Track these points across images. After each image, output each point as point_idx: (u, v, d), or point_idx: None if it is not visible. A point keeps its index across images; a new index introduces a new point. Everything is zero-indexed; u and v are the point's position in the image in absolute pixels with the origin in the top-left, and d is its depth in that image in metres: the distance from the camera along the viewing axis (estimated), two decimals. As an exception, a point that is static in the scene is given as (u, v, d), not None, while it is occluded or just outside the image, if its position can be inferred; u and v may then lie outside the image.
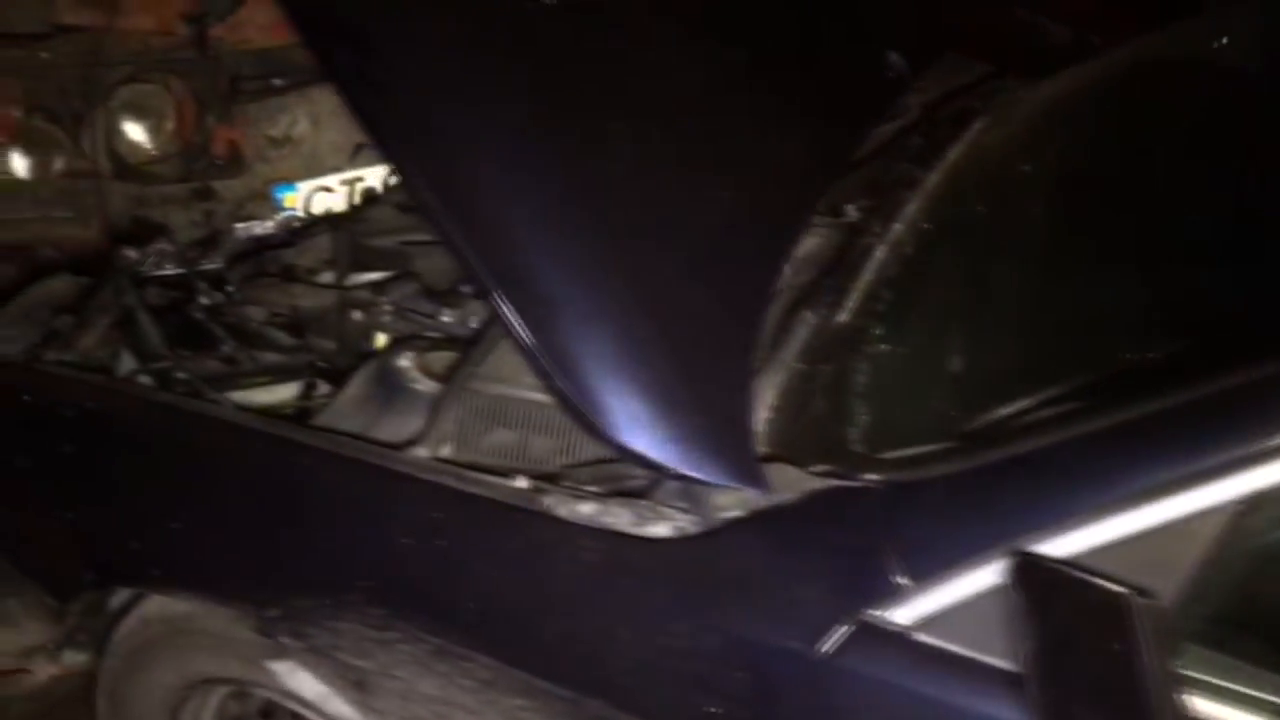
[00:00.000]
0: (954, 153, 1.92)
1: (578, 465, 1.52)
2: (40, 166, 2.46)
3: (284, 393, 2.00)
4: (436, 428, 1.60)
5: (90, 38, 2.37)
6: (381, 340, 2.03)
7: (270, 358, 1.99)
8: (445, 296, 2.14)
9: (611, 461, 1.50)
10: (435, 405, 1.64)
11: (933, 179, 1.86)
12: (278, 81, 2.62)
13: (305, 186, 2.79)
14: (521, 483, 1.47)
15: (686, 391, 1.36)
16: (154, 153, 2.54)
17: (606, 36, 1.54)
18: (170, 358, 1.85)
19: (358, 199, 2.72)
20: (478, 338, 1.91)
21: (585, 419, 1.32)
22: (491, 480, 1.47)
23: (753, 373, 1.44)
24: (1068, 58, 2.17)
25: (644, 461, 1.34)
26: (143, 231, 2.57)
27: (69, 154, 2.48)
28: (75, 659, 2.01)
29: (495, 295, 1.31)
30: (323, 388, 1.99)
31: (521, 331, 1.31)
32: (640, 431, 1.33)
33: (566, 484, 1.49)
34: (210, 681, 1.81)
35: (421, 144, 1.36)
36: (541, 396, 1.54)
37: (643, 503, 1.42)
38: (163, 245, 1.99)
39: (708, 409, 1.36)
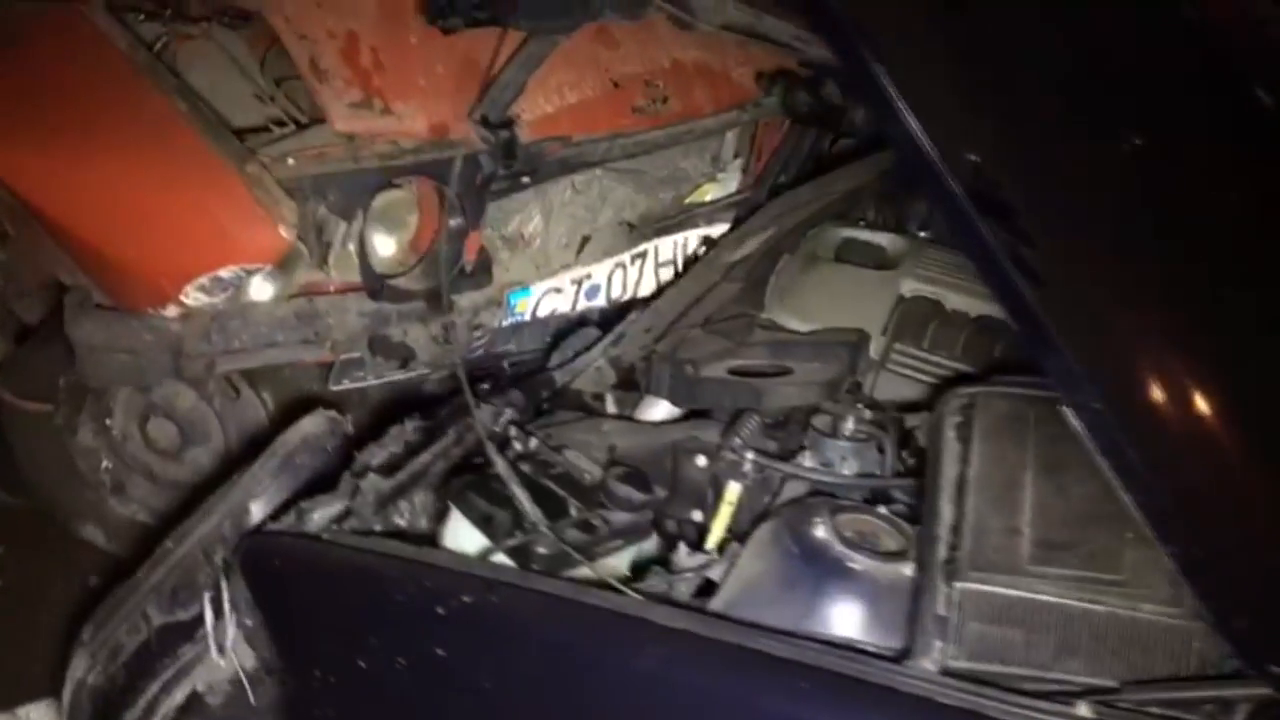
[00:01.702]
0: None
1: (1140, 683, 1.27)
2: (281, 286, 2.16)
3: (624, 559, 1.74)
4: (927, 630, 1.34)
5: (343, 138, 2.09)
6: (734, 493, 1.77)
7: (621, 518, 1.72)
8: (787, 436, 1.89)
9: (1183, 680, 1.25)
10: (916, 599, 1.38)
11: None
12: (526, 179, 2.35)
13: (537, 289, 2.52)
14: (1085, 711, 1.21)
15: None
16: (401, 265, 2.26)
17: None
18: (536, 532, 1.58)
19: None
20: (894, 500, 1.67)
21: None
22: (1047, 708, 1.22)
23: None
24: None
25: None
26: (388, 352, 2.30)
27: (309, 269, 2.19)
28: None
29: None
30: (682, 553, 1.73)
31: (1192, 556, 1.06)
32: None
33: (1125, 705, 1.24)
34: None
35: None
36: (1068, 600, 1.30)
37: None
38: (513, 397, 1.71)
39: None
